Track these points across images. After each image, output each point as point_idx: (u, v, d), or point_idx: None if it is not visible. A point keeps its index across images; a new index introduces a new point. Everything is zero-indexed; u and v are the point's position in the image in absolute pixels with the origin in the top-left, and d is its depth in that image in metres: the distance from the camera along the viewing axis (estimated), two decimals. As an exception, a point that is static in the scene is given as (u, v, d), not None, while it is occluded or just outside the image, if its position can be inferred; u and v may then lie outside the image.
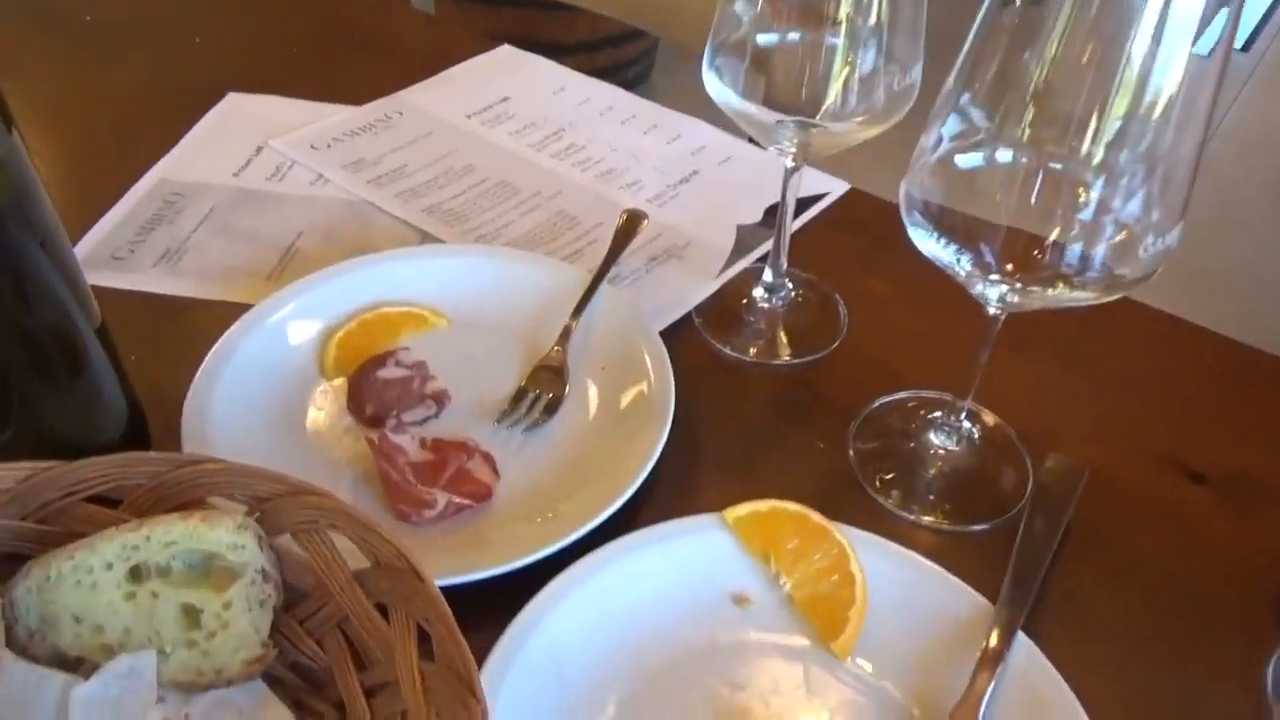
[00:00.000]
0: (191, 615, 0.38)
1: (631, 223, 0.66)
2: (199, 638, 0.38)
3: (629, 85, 0.87)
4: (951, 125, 0.45)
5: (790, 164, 0.56)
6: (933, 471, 0.53)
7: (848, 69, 0.52)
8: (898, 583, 0.45)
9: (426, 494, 0.47)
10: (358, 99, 0.83)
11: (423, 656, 0.37)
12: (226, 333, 0.55)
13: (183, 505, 0.40)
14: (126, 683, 0.36)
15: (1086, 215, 0.44)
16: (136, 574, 0.38)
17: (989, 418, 0.56)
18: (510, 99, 0.85)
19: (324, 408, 0.54)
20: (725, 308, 0.64)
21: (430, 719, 0.35)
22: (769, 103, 0.53)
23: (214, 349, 0.54)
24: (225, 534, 0.38)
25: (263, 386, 0.53)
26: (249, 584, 0.38)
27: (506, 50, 0.92)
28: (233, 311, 0.57)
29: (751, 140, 0.81)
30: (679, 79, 0.90)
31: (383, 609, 0.39)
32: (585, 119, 0.83)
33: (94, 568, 0.37)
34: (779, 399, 0.59)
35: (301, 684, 0.40)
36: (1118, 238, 0.44)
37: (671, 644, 0.44)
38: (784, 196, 0.59)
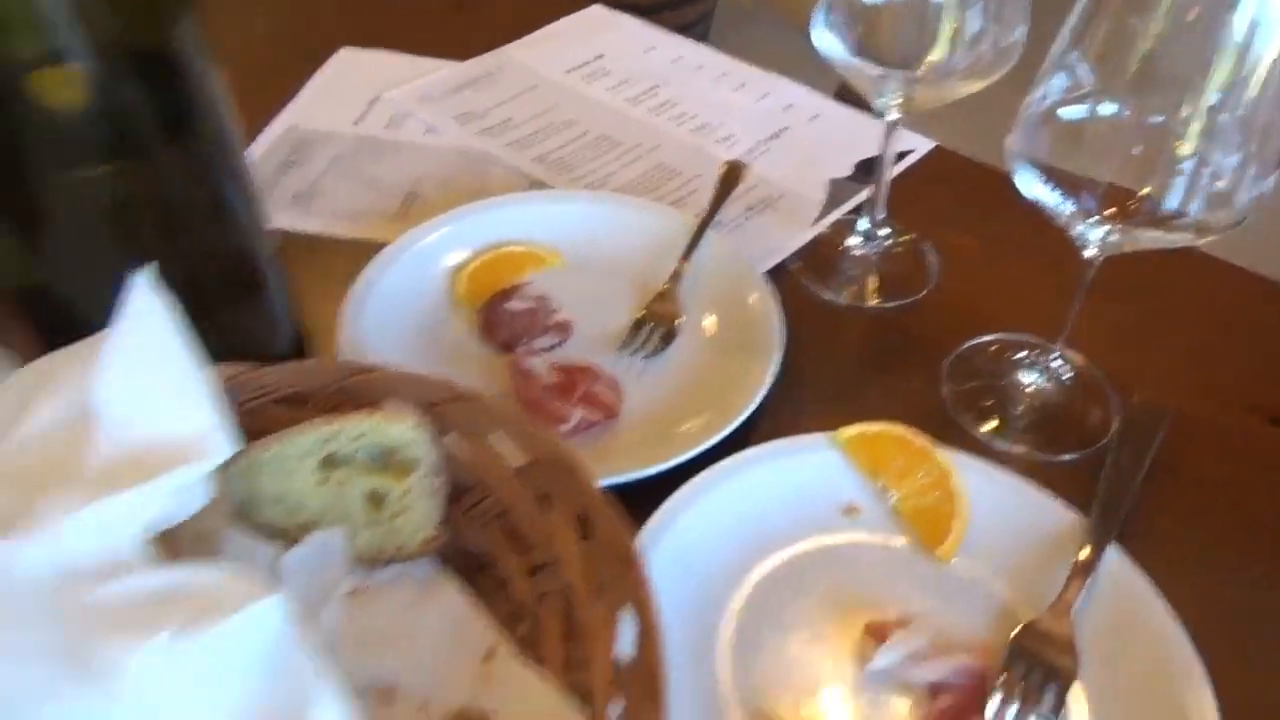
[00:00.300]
0: (375, 500, 0.43)
1: (734, 172, 0.70)
2: (382, 519, 0.43)
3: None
4: (1059, 81, 0.48)
5: (892, 117, 0.60)
6: (1023, 407, 0.57)
7: (955, 25, 0.56)
8: (995, 499, 0.49)
9: (562, 410, 0.52)
10: (458, 55, 0.87)
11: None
12: (370, 263, 0.60)
13: (360, 408, 0.45)
14: (322, 555, 0.42)
15: (1186, 167, 0.47)
16: (328, 463, 0.43)
17: (1077, 358, 0.59)
18: (605, 56, 0.89)
19: (458, 334, 0.59)
20: (820, 255, 0.67)
21: (590, 592, 0.40)
22: (875, 56, 0.57)
23: (360, 278, 0.59)
24: (405, 430, 0.43)
25: (404, 313, 0.58)
26: (424, 475, 0.43)
27: (597, 10, 0.96)
28: (364, 249, 0.62)
29: (838, 97, 0.84)
30: (736, 41, 0.93)
31: (540, 503, 0.43)
32: (678, 77, 0.87)
33: (291, 457, 0.43)
34: (873, 340, 0.63)
35: (468, 565, 0.45)
36: (1215, 187, 0.47)
37: (787, 548, 0.48)
38: (884, 149, 0.62)
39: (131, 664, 0.25)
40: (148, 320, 0.33)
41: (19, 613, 0.26)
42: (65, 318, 0.41)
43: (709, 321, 0.60)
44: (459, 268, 0.62)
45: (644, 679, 0.35)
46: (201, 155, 0.43)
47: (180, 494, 0.32)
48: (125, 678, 0.25)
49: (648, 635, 0.36)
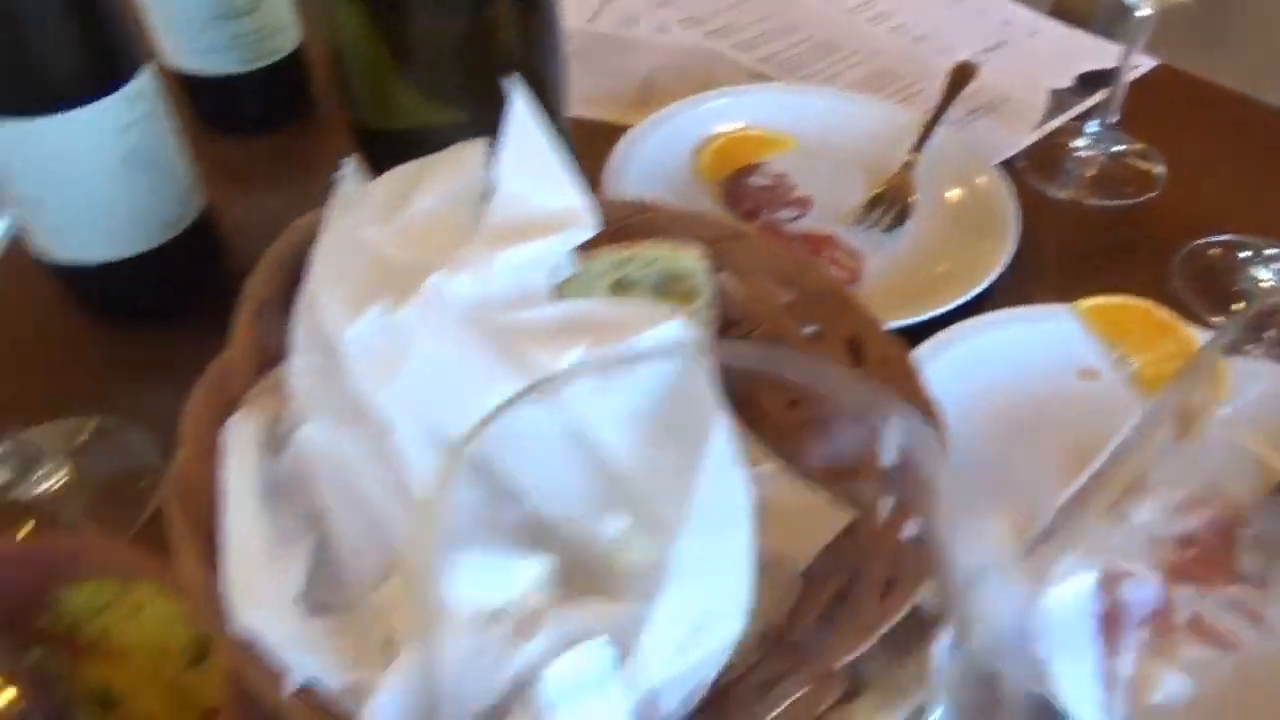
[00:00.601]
0: (660, 321, 0.48)
1: (964, 71, 0.72)
2: (666, 339, 0.48)
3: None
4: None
5: (1143, 13, 0.60)
6: (1259, 300, 0.58)
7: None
8: (1237, 373, 0.50)
9: (811, 269, 0.56)
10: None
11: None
12: (624, 138, 0.65)
13: (642, 243, 0.50)
14: (617, 363, 0.47)
15: None
16: (619, 285, 0.48)
17: (1317, 259, 0.59)
18: (820, -30, 0.91)
19: (703, 205, 0.64)
20: (1046, 155, 0.69)
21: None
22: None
23: (616, 151, 0.64)
24: (691, 260, 0.48)
25: (654, 183, 0.63)
26: (703, 304, 0.48)
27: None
28: (607, 130, 0.67)
29: (1054, 16, 0.85)
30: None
31: (809, 334, 0.47)
32: (893, -8, 0.88)
33: (591, 275, 0.48)
34: (1101, 236, 0.65)
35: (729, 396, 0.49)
36: None
37: (1027, 402, 0.51)
38: (1128, 49, 0.63)
39: (554, 369, 0.31)
40: (527, 120, 0.38)
41: (457, 327, 0.32)
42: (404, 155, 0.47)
43: (942, 203, 0.63)
44: (701, 146, 0.67)
45: (920, 475, 0.39)
46: (539, 18, 0.49)
47: (560, 258, 0.37)
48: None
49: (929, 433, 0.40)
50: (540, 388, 0.28)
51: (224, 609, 0.33)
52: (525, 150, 0.37)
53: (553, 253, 0.36)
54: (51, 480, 0.47)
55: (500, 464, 0.32)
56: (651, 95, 0.75)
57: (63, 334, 0.56)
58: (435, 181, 0.39)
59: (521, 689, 0.23)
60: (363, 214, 0.39)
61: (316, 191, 0.52)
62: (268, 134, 0.70)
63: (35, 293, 0.55)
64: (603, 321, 0.33)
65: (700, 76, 0.77)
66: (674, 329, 0.33)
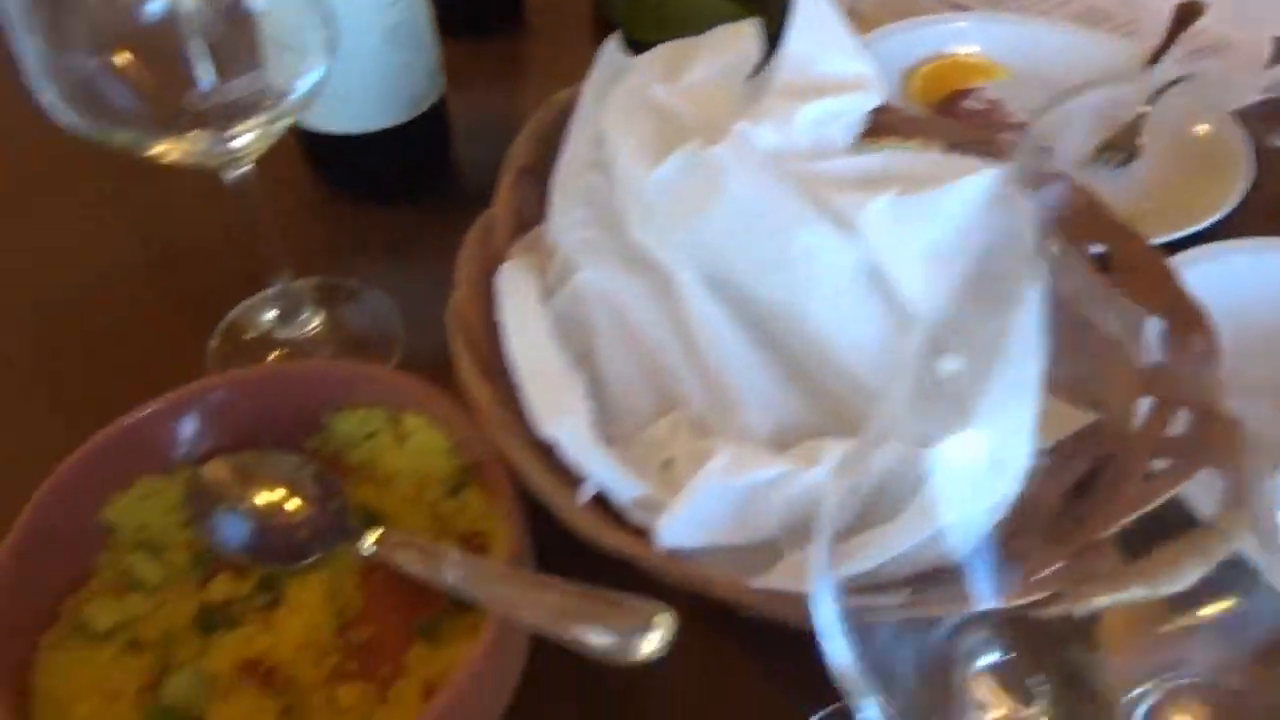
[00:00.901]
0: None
1: (1190, 10, 0.70)
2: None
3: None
4: None
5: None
6: None
7: None
8: None
9: (1035, 187, 0.56)
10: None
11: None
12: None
13: (878, 144, 0.51)
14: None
15: None
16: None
17: None
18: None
19: (915, 125, 0.64)
20: (1272, 103, 0.67)
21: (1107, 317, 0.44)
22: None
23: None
24: (934, 159, 0.48)
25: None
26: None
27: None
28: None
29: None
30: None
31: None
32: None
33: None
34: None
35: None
36: None
37: (1257, 333, 0.50)
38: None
39: (862, 214, 0.31)
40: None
41: (763, 172, 0.33)
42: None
43: (1169, 150, 0.62)
44: (912, 70, 0.67)
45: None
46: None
47: (855, 118, 0.38)
48: (857, 221, 0.31)
49: (1191, 318, 0.39)
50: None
51: (513, 422, 0.35)
52: (815, 20, 0.38)
53: (850, 110, 0.37)
54: (309, 327, 0.50)
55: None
56: (855, 22, 0.75)
57: (313, 201, 0.60)
58: (708, 55, 0.41)
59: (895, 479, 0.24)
60: (645, 76, 0.40)
61: (528, 95, 0.54)
62: (485, 39, 0.72)
63: (297, 160, 0.59)
64: (910, 171, 0.33)
65: (903, 7, 0.76)
66: (988, 178, 0.33)
